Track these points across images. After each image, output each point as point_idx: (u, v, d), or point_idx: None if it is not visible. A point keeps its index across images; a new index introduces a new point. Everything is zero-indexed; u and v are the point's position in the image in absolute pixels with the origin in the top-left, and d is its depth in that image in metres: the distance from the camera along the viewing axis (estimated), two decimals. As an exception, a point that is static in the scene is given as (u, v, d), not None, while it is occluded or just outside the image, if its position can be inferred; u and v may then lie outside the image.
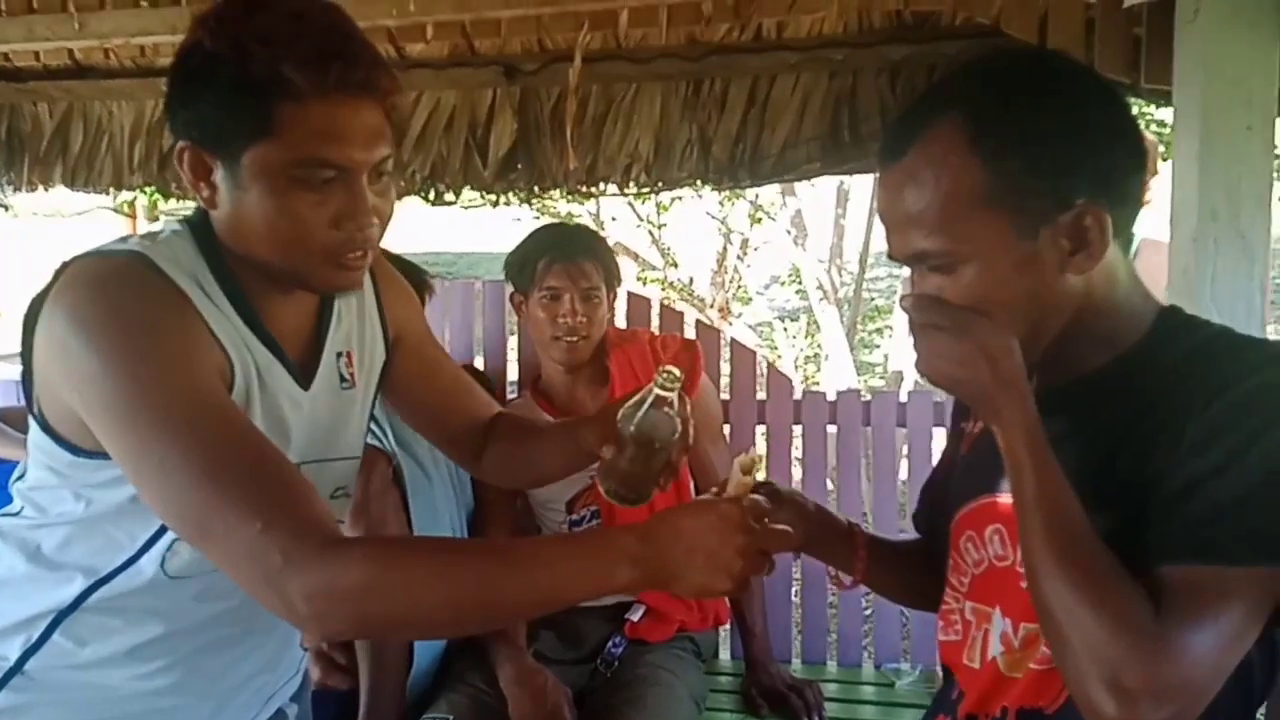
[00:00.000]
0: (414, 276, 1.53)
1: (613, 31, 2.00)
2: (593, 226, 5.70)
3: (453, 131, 2.27)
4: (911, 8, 1.70)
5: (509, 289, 1.86)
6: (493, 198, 2.43)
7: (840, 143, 2.05)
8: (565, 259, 1.74)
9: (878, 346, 6.30)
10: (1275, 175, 1.46)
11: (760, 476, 0.91)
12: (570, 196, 2.80)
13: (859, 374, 4.63)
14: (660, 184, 2.16)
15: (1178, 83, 1.47)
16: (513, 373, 2.19)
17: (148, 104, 2.33)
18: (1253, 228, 1.42)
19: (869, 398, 2.02)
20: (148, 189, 2.52)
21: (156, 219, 8.58)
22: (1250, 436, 0.72)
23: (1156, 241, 2.71)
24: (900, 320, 4.61)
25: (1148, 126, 3.38)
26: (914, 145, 0.79)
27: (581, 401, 1.86)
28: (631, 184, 2.17)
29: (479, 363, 2.20)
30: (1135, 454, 0.77)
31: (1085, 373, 0.84)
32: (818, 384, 4.99)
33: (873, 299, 6.21)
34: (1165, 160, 4.02)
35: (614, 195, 2.32)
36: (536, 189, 2.28)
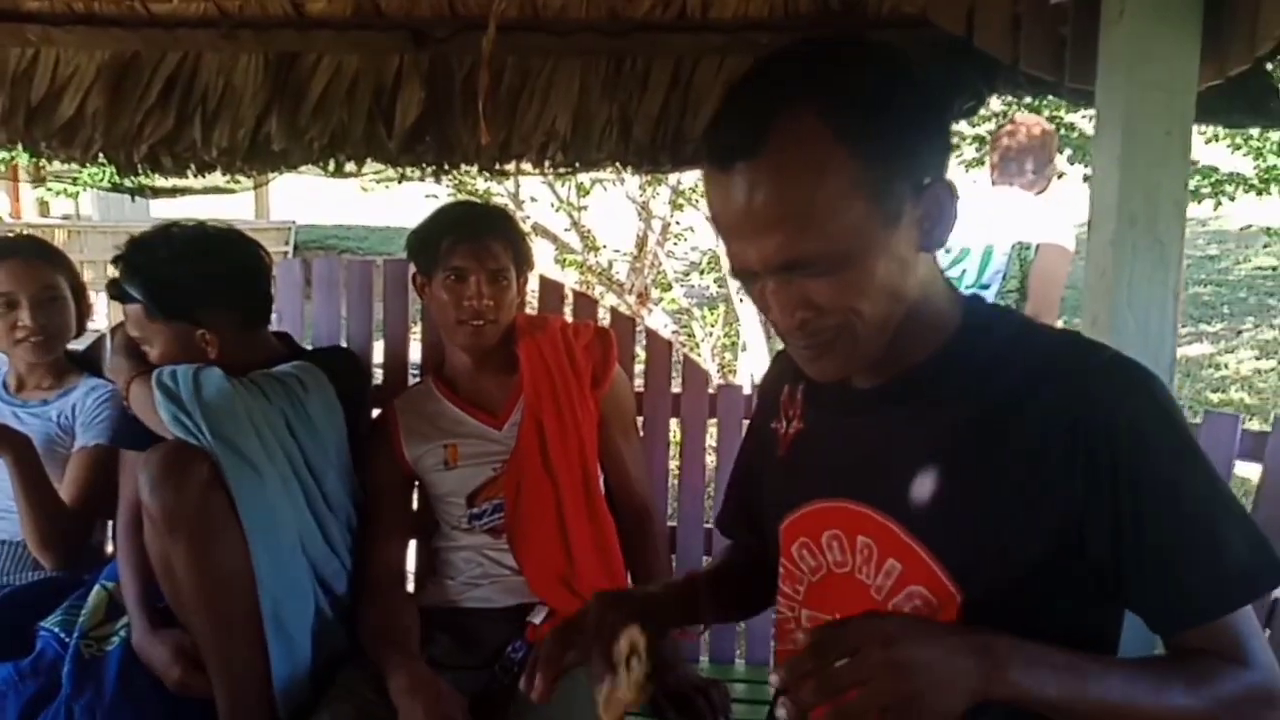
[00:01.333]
0: None
1: (531, 0, 1.89)
2: (510, 206, 5.56)
3: (355, 98, 2.11)
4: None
5: (412, 269, 1.74)
6: (399, 171, 2.29)
7: (763, 130, 1.99)
8: (471, 238, 1.64)
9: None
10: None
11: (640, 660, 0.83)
12: (485, 174, 2.68)
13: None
14: (578, 164, 2.07)
15: (1101, 84, 1.46)
16: (416, 355, 2.07)
17: (11, 53, 2.10)
18: (1169, 234, 1.42)
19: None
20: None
21: (43, 181, 7.99)
22: (1175, 471, 0.74)
23: (1057, 246, 2.78)
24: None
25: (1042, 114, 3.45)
26: (769, 140, 0.72)
27: (487, 390, 1.76)
28: (548, 163, 2.06)
29: (379, 347, 2.07)
30: (997, 444, 0.76)
31: (915, 363, 0.83)
32: (734, 373, 4.98)
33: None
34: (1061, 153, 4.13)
35: (529, 174, 2.21)
36: (446, 164, 2.15)
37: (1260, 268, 9.03)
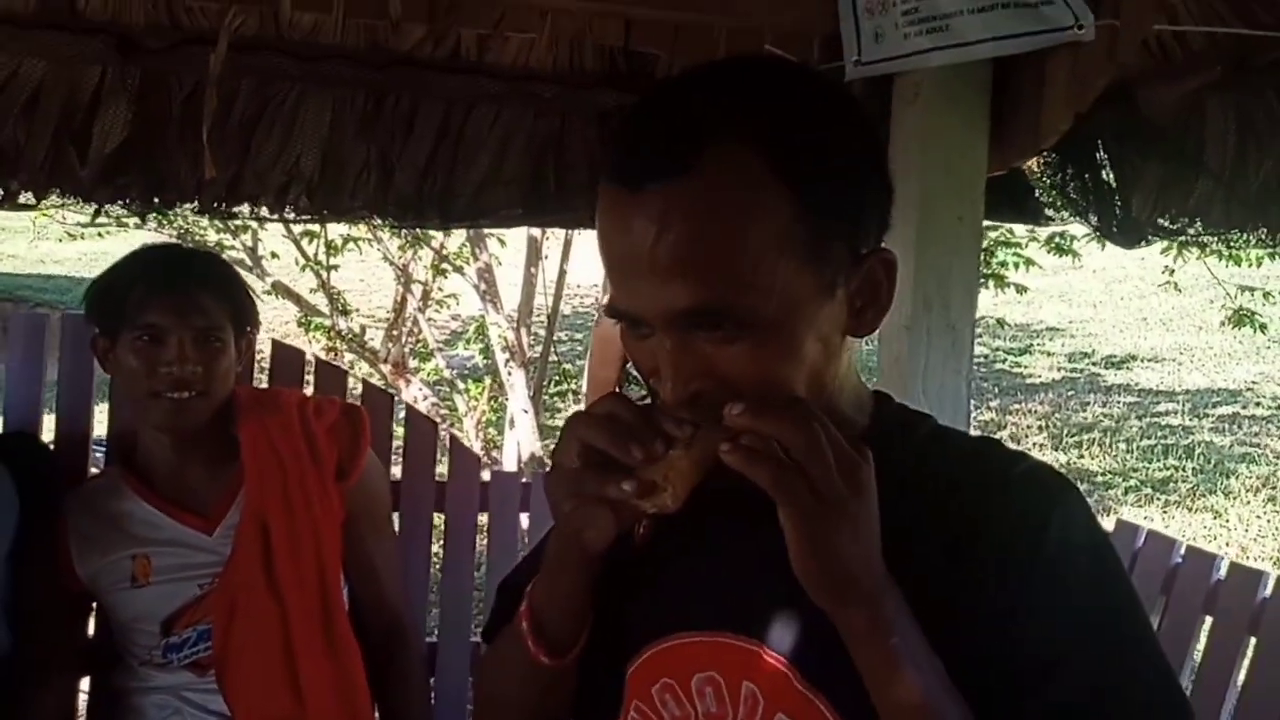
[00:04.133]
0: None
1: (272, 14, 1.60)
2: (248, 263, 5.00)
3: (37, 115, 1.69)
4: (630, 47, 1.51)
5: (94, 330, 1.36)
6: (93, 210, 1.86)
7: (544, 191, 1.81)
8: (170, 288, 1.30)
9: (560, 410, 6.19)
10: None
11: None
12: (212, 220, 2.28)
13: (542, 438, 4.42)
14: (326, 211, 1.77)
15: (896, 165, 1.43)
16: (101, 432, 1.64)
17: None
18: (961, 319, 1.40)
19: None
20: None
21: None
22: (1097, 597, 0.63)
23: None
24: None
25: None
26: (697, 161, 0.57)
27: (193, 485, 1.40)
28: (289, 208, 1.74)
29: (49, 424, 1.62)
30: (913, 571, 0.62)
31: None
32: (499, 450, 4.70)
33: (559, 362, 6.12)
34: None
35: (268, 220, 1.87)
36: (158, 200, 1.77)
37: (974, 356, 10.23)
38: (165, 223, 4.71)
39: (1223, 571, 1.80)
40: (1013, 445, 0.76)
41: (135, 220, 4.83)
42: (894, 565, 0.60)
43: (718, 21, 1.37)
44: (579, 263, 4.93)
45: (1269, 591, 1.71)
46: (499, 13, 1.58)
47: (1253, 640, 1.73)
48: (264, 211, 1.78)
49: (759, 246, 0.58)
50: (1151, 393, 7.46)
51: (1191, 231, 1.50)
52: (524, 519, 1.72)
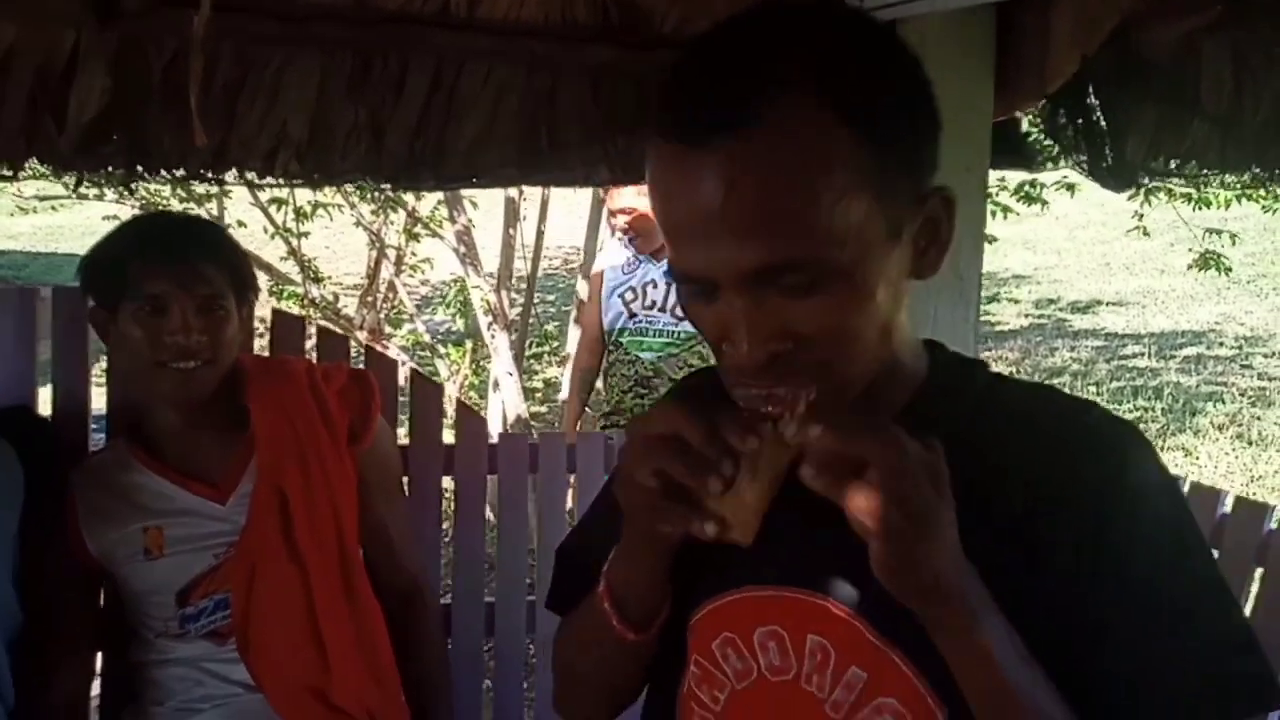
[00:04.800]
0: None
1: (256, -27, 1.55)
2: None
3: (11, 81, 1.63)
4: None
5: (89, 303, 1.34)
6: (70, 180, 1.81)
7: (538, 149, 1.79)
8: (172, 258, 1.28)
9: (537, 372, 6.18)
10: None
11: None
12: (185, 186, 2.22)
13: (525, 400, 4.41)
14: (317, 175, 1.73)
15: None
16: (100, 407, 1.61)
17: None
18: (968, 269, 1.41)
19: (573, 440, 1.77)
20: None
21: None
22: (1174, 551, 0.63)
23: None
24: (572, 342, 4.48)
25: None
26: (763, 113, 0.56)
27: (204, 454, 1.39)
28: (279, 172, 1.70)
29: (45, 399, 1.59)
30: (981, 523, 0.62)
31: (894, 414, 0.68)
32: (483, 411, 4.68)
33: (539, 323, 6.08)
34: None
35: (258, 185, 1.83)
36: (142, 169, 1.71)
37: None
38: (127, 194, 4.58)
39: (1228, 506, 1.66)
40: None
41: (95, 192, 4.70)
42: (966, 525, 0.60)
43: (719, -30, 1.35)
44: (555, 223, 4.88)
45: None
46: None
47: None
48: (252, 177, 1.74)
49: (831, 195, 0.57)
50: (1118, 336, 7.61)
51: (1186, 173, 1.52)
52: (530, 480, 1.72)
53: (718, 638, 0.71)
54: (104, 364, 1.57)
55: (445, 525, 1.79)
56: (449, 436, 1.70)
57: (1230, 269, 4.91)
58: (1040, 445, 0.65)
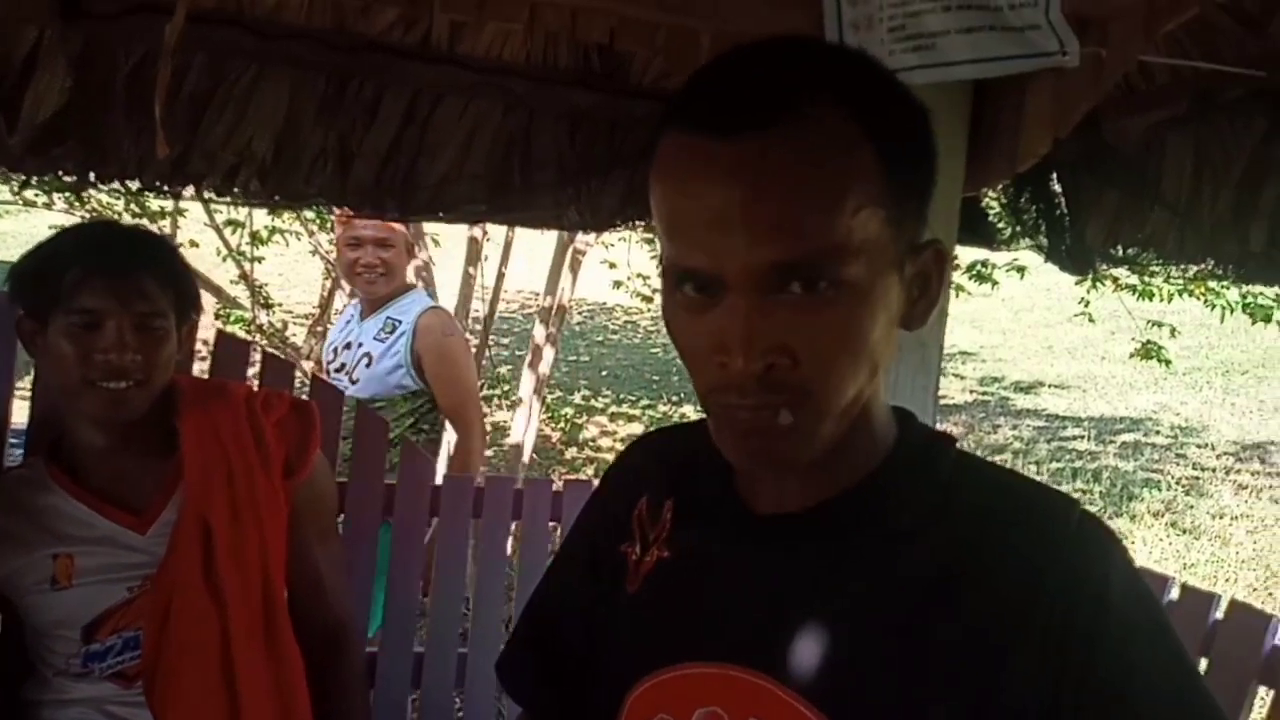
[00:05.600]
0: None
1: (235, -13, 1.52)
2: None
3: (-42, 75, 1.56)
4: (613, 45, 1.48)
5: (18, 312, 1.26)
6: (20, 180, 1.73)
7: (509, 188, 1.77)
8: (110, 270, 1.21)
9: (487, 415, 6.08)
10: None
11: None
12: (139, 200, 2.15)
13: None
14: (279, 196, 1.69)
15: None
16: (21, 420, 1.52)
17: None
18: (930, 337, 1.41)
19: (519, 485, 1.72)
20: None
21: None
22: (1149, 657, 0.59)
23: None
24: (527, 388, 4.41)
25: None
26: (799, 107, 0.56)
27: (127, 479, 1.30)
28: (240, 190, 1.65)
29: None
30: (942, 607, 0.59)
31: (843, 488, 0.64)
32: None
33: (494, 366, 6.00)
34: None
35: (217, 202, 1.77)
36: (95, 176, 1.65)
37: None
38: (77, 203, 4.44)
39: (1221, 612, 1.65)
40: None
41: (44, 200, 4.56)
42: (930, 621, 0.57)
43: (705, 26, 1.35)
44: (516, 266, 4.85)
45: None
46: (481, -2, 1.53)
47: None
48: (211, 195, 1.69)
49: (854, 203, 0.56)
50: (1059, 418, 7.78)
51: (1143, 260, 1.55)
52: (471, 524, 1.66)
53: (653, 718, 0.66)
54: (32, 377, 1.48)
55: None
56: (392, 476, 1.63)
57: (1169, 361, 5.07)
58: (1018, 539, 0.60)
